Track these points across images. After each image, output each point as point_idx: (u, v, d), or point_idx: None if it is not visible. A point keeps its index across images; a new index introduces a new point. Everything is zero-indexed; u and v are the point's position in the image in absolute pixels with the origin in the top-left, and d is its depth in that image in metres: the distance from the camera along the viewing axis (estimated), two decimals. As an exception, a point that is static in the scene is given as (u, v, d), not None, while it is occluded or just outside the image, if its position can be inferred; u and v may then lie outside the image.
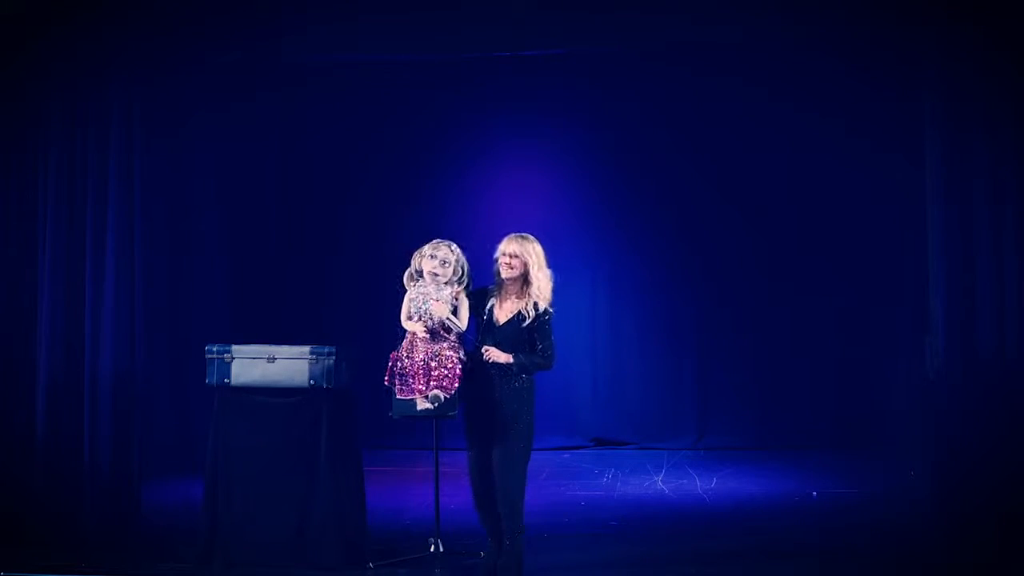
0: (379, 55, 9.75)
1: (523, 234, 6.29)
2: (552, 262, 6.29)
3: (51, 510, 7.32)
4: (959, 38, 7.04)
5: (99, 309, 7.41)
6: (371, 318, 9.70)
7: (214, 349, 6.67)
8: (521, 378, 6.19)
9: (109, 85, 7.51)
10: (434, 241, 6.31)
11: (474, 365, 6.22)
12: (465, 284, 6.28)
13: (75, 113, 7.52)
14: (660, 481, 9.08)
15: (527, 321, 6.19)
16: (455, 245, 6.30)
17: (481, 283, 6.38)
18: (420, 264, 6.27)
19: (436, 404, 6.13)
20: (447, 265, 6.22)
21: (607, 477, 9.27)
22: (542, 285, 6.20)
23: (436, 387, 6.11)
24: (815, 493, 8.41)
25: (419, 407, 6.17)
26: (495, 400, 6.18)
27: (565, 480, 9.13)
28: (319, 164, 10.78)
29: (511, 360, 6.16)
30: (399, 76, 10.38)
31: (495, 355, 6.17)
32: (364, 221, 10.69)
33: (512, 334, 6.21)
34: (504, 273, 6.22)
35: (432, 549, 6.50)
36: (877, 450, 9.70)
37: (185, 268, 9.82)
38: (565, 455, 10.22)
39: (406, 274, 6.32)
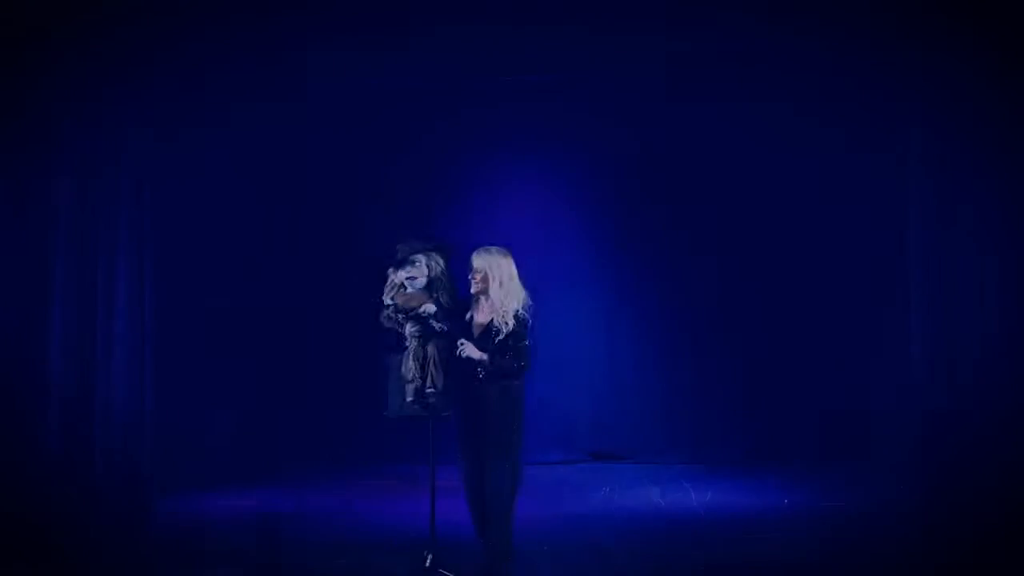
0: (383, 79, 9.84)
1: (490, 248, 6.40)
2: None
3: (64, 523, 7.33)
4: (948, 41, 7.09)
5: (111, 322, 7.45)
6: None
7: None
8: (508, 389, 6.28)
9: (120, 99, 7.58)
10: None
11: (464, 369, 6.31)
12: (444, 285, 6.39)
13: (86, 125, 7.60)
14: (656, 495, 9.09)
15: (500, 336, 6.27)
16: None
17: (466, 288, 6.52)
18: (395, 281, 6.41)
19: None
20: (417, 265, 6.35)
21: (604, 491, 9.28)
22: (504, 302, 6.28)
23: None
24: (786, 500, 8.45)
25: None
26: (484, 413, 6.28)
27: (562, 494, 9.13)
28: (329, 185, 10.70)
29: (484, 358, 6.24)
30: (404, 91, 10.38)
31: (469, 350, 6.27)
32: (371, 242, 10.59)
33: (485, 344, 6.30)
34: (472, 288, 6.35)
35: (427, 564, 6.48)
36: (874, 462, 9.68)
37: (195, 281, 9.79)
38: (562, 469, 10.23)
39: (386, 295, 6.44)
